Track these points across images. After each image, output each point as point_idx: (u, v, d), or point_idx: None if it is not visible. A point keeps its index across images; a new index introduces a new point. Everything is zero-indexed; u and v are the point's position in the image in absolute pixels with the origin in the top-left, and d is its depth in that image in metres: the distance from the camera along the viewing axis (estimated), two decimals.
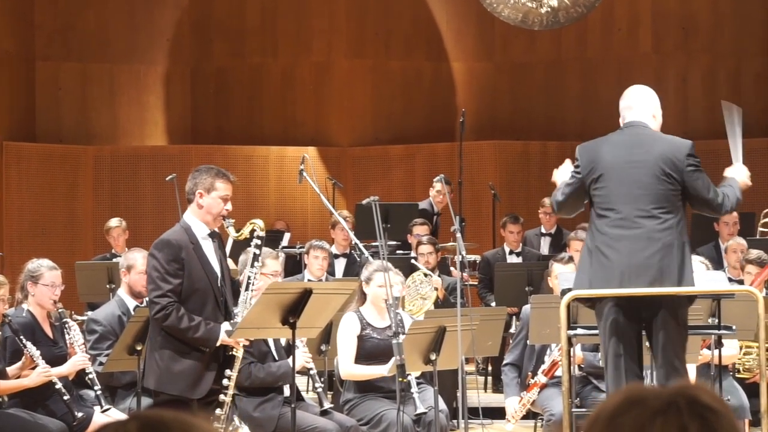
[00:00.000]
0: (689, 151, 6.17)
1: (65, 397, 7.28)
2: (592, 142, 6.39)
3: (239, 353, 6.40)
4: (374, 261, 8.08)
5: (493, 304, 11.51)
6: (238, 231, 6.54)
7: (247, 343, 6.52)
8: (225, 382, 6.36)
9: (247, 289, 6.45)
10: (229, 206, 6.52)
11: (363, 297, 8.06)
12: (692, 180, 6.14)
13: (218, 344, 6.34)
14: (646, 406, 1.86)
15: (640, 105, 6.36)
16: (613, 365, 6.15)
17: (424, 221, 12.11)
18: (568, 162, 6.56)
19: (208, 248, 6.50)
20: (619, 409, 1.88)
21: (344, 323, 8.02)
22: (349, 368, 7.93)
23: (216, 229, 6.62)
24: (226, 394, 6.35)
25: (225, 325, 6.37)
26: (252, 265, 6.48)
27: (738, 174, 6.45)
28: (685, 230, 6.24)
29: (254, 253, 6.51)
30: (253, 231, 6.50)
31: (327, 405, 7.62)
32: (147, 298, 6.98)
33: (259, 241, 6.51)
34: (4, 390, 7.30)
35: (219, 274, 6.49)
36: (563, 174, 6.50)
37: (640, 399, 1.88)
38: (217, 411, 6.34)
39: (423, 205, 13.06)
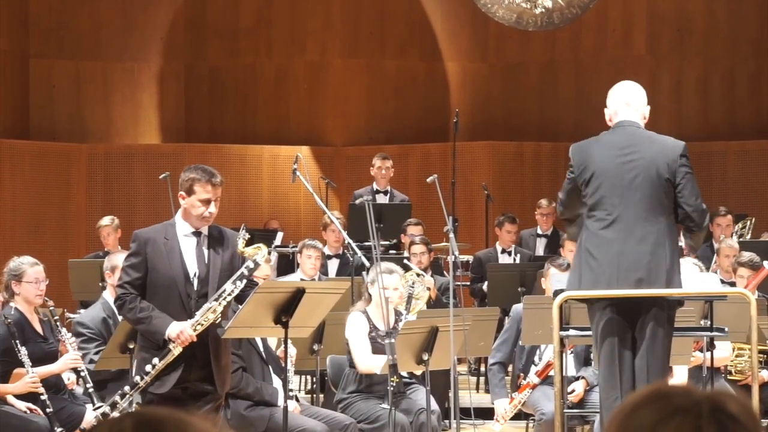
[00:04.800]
0: (682, 152, 6.15)
1: (48, 410, 7.26)
2: (585, 142, 6.35)
3: (176, 350, 6.24)
4: (382, 263, 8.04)
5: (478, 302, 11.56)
6: (246, 246, 6.49)
7: (194, 339, 6.26)
8: (147, 368, 6.26)
9: (217, 299, 6.32)
10: (212, 209, 6.37)
11: (369, 298, 8.11)
12: (683, 182, 6.10)
13: (166, 338, 6.21)
14: (671, 402, 1.88)
15: (632, 104, 6.29)
16: (607, 366, 6.14)
17: (419, 221, 12.09)
18: None
19: (188, 246, 6.39)
20: (645, 400, 1.90)
21: (353, 322, 8.04)
22: (368, 362, 7.91)
23: (221, 230, 6.53)
24: (142, 378, 6.28)
25: (186, 323, 6.24)
26: (234, 282, 6.37)
27: None
28: (676, 232, 6.23)
29: (242, 272, 6.41)
30: (254, 255, 6.41)
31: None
32: None
33: (252, 265, 6.42)
34: None
35: (194, 274, 6.37)
36: None
37: (667, 395, 1.90)
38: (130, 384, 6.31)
39: (361, 192, 12.55)
